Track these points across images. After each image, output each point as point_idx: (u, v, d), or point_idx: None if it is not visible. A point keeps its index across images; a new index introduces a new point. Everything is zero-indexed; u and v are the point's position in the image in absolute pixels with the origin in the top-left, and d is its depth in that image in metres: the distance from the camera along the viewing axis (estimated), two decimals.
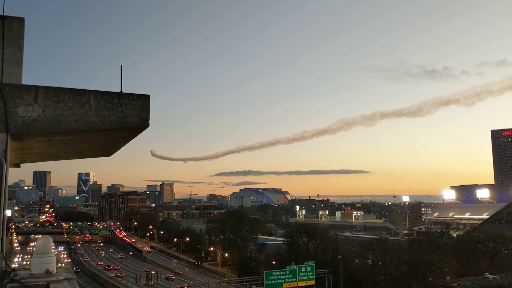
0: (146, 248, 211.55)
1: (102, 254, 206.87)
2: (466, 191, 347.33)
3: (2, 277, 7.10)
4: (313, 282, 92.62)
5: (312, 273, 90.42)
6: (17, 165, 11.41)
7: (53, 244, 8.03)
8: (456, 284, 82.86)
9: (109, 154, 11.17)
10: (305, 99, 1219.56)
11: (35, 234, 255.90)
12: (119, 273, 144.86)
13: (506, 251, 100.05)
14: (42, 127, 7.55)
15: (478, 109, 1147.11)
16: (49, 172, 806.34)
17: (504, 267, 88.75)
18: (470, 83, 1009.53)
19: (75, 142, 9.17)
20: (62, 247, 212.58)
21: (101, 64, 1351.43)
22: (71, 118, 7.71)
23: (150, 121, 8.37)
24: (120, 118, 8.01)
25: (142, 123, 8.19)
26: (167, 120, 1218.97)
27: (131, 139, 9.34)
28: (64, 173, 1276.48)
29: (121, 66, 8.45)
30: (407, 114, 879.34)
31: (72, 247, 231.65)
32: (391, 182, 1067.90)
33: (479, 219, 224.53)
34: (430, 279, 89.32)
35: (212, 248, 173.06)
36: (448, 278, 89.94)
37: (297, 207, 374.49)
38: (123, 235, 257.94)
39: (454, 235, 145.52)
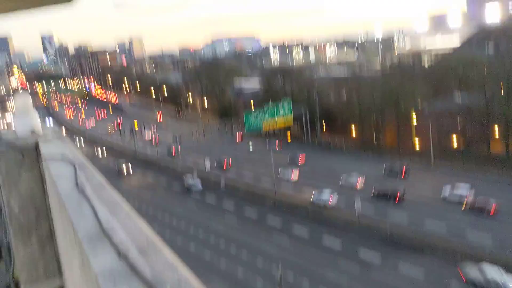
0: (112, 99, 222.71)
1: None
2: (438, 21, 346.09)
3: None
4: (291, 118, 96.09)
5: (289, 109, 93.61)
6: None
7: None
8: (426, 105, 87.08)
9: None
10: None
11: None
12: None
13: (476, 74, 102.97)
14: None
15: None
16: (10, 38, 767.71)
17: (473, 89, 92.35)
18: None
19: None
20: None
21: None
22: None
23: None
24: None
25: None
26: None
27: None
28: (26, 38, 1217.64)
29: None
30: None
31: (51, 111, 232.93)
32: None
33: (451, 49, 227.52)
34: (403, 106, 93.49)
35: (191, 100, 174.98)
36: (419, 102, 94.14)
37: (271, 51, 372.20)
38: (100, 92, 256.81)
39: (426, 66, 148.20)
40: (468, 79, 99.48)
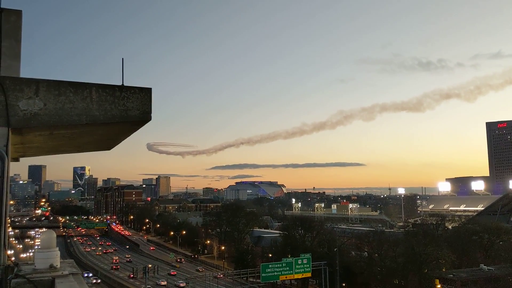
0: (127, 232, 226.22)
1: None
2: (461, 183, 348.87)
3: (6, 272, 6.98)
4: (309, 275, 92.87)
5: (308, 266, 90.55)
6: (16, 159, 11.29)
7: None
8: (451, 275, 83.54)
9: (109, 148, 11.09)
10: (301, 92, 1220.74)
11: (32, 228, 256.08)
12: (81, 241, 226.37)
13: (501, 243, 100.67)
14: (44, 120, 7.47)
15: (474, 102, 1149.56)
16: (45, 166, 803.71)
17: (499, 258, 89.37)
18: (465, 76, 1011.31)
19: (76, 136, 9.10)
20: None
21: (97, 55, 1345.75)
22: (73, 111, 7.63)
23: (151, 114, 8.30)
24: (122, 111, 7.95)
25: (144, 116, 8.13)
26: (163, 113, 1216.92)
27: (132, 132, 9.28)
28: (59, 167, 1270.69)
29: (123, 59, 8.36)
30: (407, 109, 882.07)
31: (69, 241, 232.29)
32: (387, 174, 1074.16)
33: (474, 211, 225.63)
34: (426, 270, 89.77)
35: (208, 241, 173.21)
36: (443, 270, 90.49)
37: (293, 200, 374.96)
38: (120, 229, 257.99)
39: (450, 227, 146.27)
40: (493, 247, 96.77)
